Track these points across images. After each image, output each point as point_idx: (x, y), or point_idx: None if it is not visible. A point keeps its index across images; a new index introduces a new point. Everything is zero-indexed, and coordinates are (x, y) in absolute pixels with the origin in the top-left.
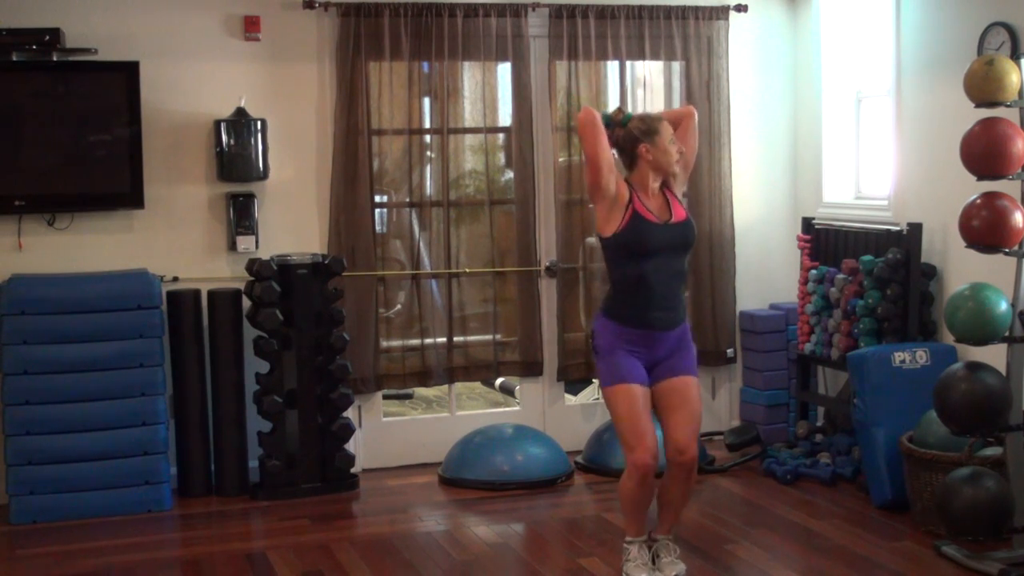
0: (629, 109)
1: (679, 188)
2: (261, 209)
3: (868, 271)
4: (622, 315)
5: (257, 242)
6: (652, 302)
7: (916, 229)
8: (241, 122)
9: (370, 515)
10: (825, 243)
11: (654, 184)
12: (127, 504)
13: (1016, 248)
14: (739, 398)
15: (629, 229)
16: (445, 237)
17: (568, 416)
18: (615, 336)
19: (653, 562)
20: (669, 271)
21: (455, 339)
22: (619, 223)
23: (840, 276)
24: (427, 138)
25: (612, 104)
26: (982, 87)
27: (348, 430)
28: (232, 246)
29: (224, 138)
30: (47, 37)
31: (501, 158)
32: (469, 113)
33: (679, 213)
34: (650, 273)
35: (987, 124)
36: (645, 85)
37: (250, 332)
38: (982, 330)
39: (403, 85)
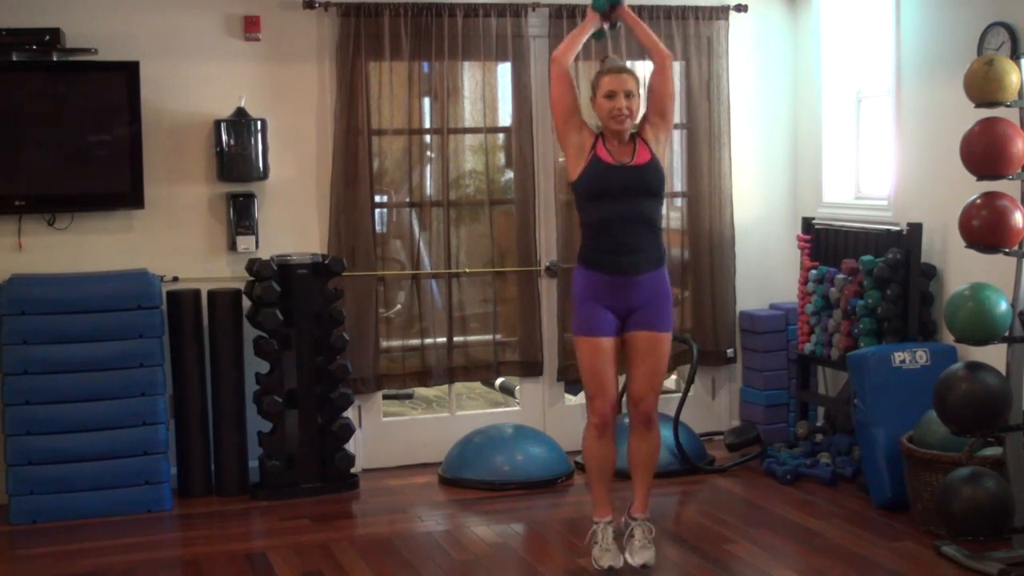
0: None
1: (661, 132)
2: (261, 209)
3: (868, 271)
4: (590, 260)
5: (257, 242)
6: (615, 245)
7: (916, 229)
8: (241, 122)
9: (370, 515)
10: (825, 243)
11: (619, 135)
12: (127, 504)
13: (1016, 248)
14: (739, 398)
15: (586, 172)
16: (445, 237)
17: (568, 416)
18: (588, 285)
19: (627, 541)
20: (631, 214)
21: (455, 339)
22: (582, 167)
23: (840, 276)
24: (427, 138)
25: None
26: (982, 87)
27: (348, 430)
28: (232, 246)
29: (224, 138)
30: (47, 37)
31: (501, 158)
32: (469, 113)
33: (642, 156)
34: (611, 216)
35: (987, 124)
36: (645, 85)
37: (250, 332)
38: (982, 330)
39: (403, 85)
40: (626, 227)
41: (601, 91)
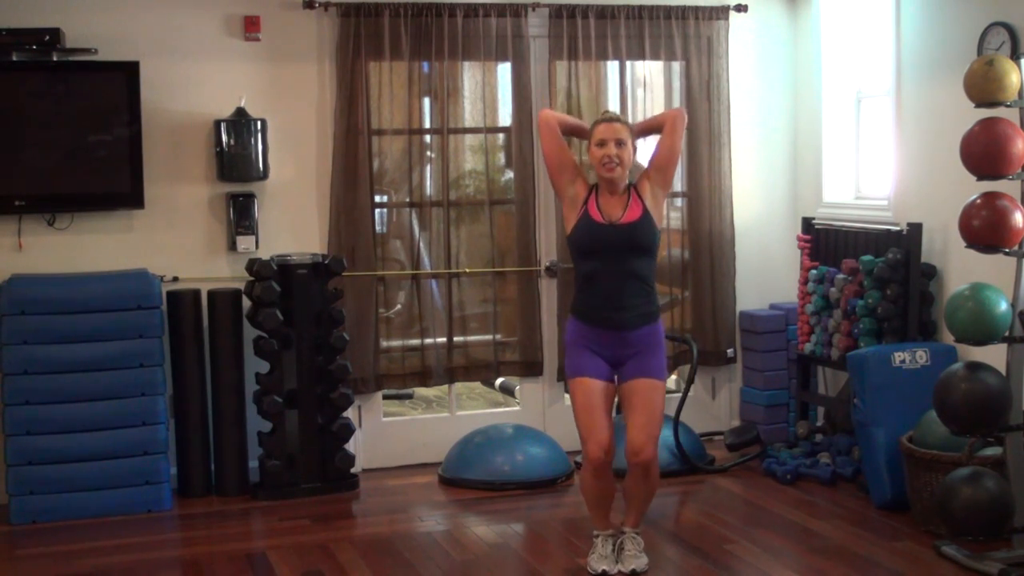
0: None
1: (658, 189)
2: (261, 209)
3: (868, 271)
4: (580, 312)
5: (257, 242)
6: (602, 301)
7: (916, 229)
8: (241, 122)
9: (370, 515)
10: (825, 243)
11: (612, 185)
12: (127, 504)
13: (1016, 248)
14: (739, 398)
15: (576, 228)
16: (445, 237)
17: (568, 416)
18: (579, 335)
19: (617, 551)
20: (619, 272)
21: (455, 339)
22: (573, 222)
23: (840, 276)
24: (427, 138)
25: (612, 104)
26: (982, 87)
27: (348, 430)
28: (232, 246)
29: (224, 138)
30: (47, 37)
31: (501, 158)
32: (469, 113)
33: (632, 214)
34: (599, 272)
35: (987, 124)
36: (645, 85)
37: (250, 332)
38: (982, 330)
39: (403, 85)
40: (615, 284)
41: (594, 139)
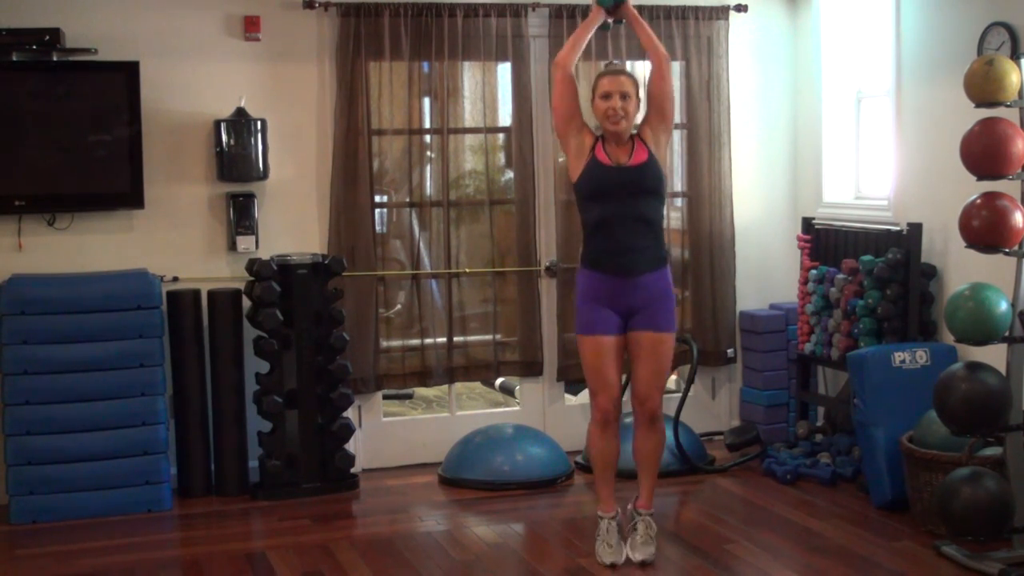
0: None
1: (660, 132)
2: (261, 209)
3: (868, 271)
4: (591, 260)
5: (257, 242)
6: (613, 246)
7: (916, 229)
8: (241, 122)
9: (370, 515)
10: (825, 243)
11: (617, 136)
12: (127, 504)
13: (1016, 248)
14: (739, 398)
15: (584, 173)
16: (445, 237)
17: (568, 416)
18: (590, 286)
19: (630, 534)
20: (628, 214)
21: (455, 339)
22: (581, 168)
23: (840, 276)
24: (427, 138)
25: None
26: (982, 87)
27: (348, 430)
28: (232, 246)
29: (224, 138)
30: (47, 37)
31: (501, 158)
32: (469, 113)
33: (639, 156)
34: (608, 216)
35: (987, 124)
36: (645, 85)
37: (250, 332)
38: (982, 330)
39: (403, 85)
40: (625, 226)
41: (598, 92)
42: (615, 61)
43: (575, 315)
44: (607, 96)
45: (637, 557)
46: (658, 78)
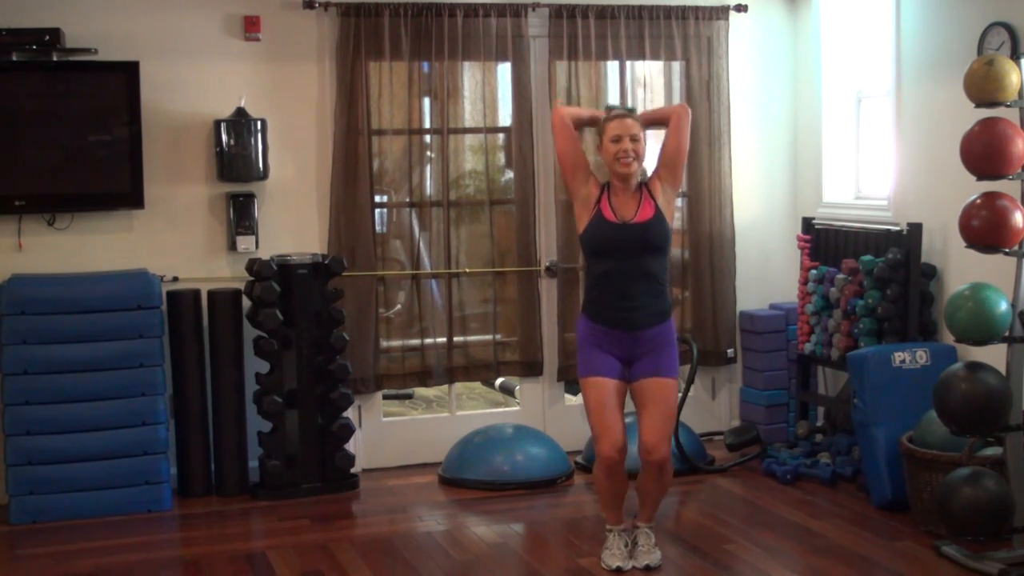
0: (630, 104)
1: (668, 187)
2: (261, 209)
3: (868, 271)
4: (591, 312)
5: (257, 242)
6: (614, 301)
7: (916, 229)
8: (241, 122)
9: (370, 515)
10: (825, 243)
11: (625, 182)
12: (127, 504)
13: (1016, 248)
14: (739, 398)
15: (589, 228)
16: (445, 237)
17: (568, 416)
18: (591, 334)
19: (631, 549)
20: (631, 271)
21: (455, 339)
22: (586, 222)
23: (840, 276)
24: (427, 138)
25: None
26: (982, 87)
27: (348, 430)
28: (232, 246)
29: (224, 138)
30: (47, 37)
31: (501, 158)
32: (469, 113)
33: (645, 213)
34: (611, 272)
35: (987, 124)
36: (645, 85)
37: (250, 332)
38: (982, 330)
39: (403, 85)
40: (628, 283)
41: (607, 136)
42: (616, 105)
43: (577, 359)
44: (617, 139)
45: (642, 562)
46: (675, 133)
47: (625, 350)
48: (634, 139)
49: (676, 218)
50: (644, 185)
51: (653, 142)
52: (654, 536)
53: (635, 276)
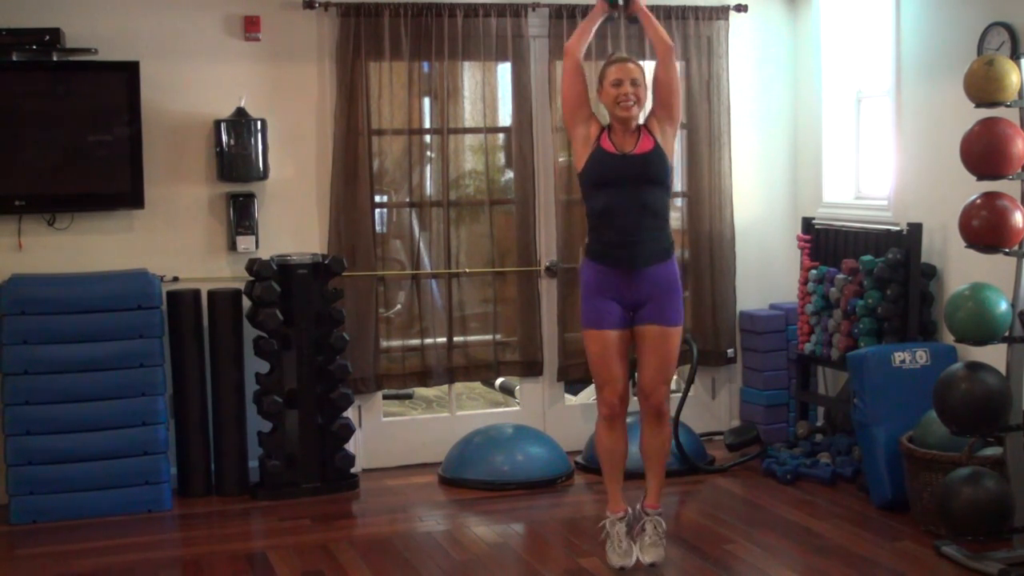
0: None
1: (666, 124)
2: (261, 209)
3: (868, 271)
4: (595, 251)
5: (257, 242)
6: (617, 236)
7: (916, 229)
8: (241, 122)
9: (370, 515)
10: (825, 243)
11: (626, 123)
12: (127, 504)
13: (1016, 248)
14: (739, 398)
15: (589, 161)
16: (445, 237)
17: (568, 416)
18: (595, 278)
19: (638, 535)
20: (631, 203)
21: (455, 339)
22: (586, 156)
23: (840, 276)
24: (427, 138)
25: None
26: (982, 87)
27: (348, 430)
28: (232, 246)
29: (224, 138)
30: (47, 37)
31: (501, 158)
32: (469, 113)
33: (644, 145)
34: (612, 205)
35: (987, 124)
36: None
37: (250, 332)
38: (982, 330)
39: (403, 85)
40: (629, 216)
41: (607, 80)
42: (620, 52)
43: (580, 309)
44: (618, 83)
45: (646, 559)
46: (662, 68)
47: (629, 292)
48: (634, 83)
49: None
50: (642, 126)
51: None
52: (663, 525)
53: (636, 209)
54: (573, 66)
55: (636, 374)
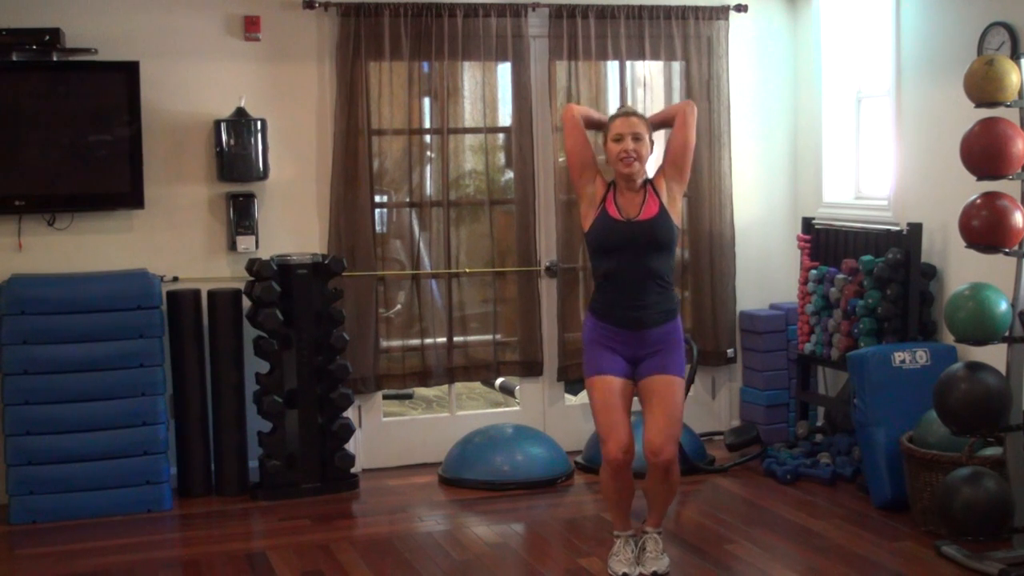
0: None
1: (674, 185)
2: (261, 209)
3: (868, 271)
4: (598, 311)
5: (257, 242)
6: (621, 300)
7: (916, 229)
8: (241, 122)
9: (370, 515)
10: (825, 243)
11: (629, 181)
12: (127, 504)
13: (1016, 248)
14: (739, 398)
15: (594, 226)
16: (445, 237)
17: (568, 416)
18: (597, 334)
19: (640, 552)
20: (636, 270)
21: (455, 339)
22: (591, 220)
23: (840, 276)
24: (427, 138)
25: (612, 102)
26: (982, 87)
27: (348, 430)
28: (232, 246)
29: (224, 138)
30: (47, 37)
31: (501, 158)
32: (469, 113)
33: (649, 211)
34: (617, 271)
35: (987, 124)
36: (645, 85)
37: (250, 332)
38: (982, 330)
39: (403, 85)
40: (634, 281)
41: (611, 135)
42: (626, 104)
43: (583, 359)
44: (619, 139)
45: (649, 569)
46: (681, 127)
47: (632, 349)
48: (636, 138)
49: None
50: (649, 183)
51: (661, 147)
52: (662, 542)
53: (641, 275)
54: (572, 123)
55: (643, 432)
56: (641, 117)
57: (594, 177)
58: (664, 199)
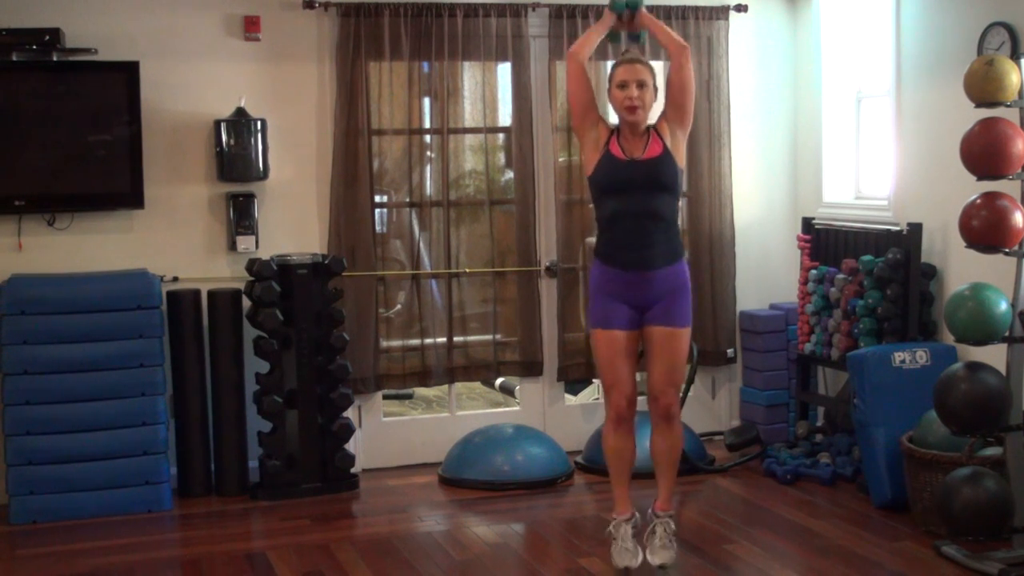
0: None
1: (676, 128)
2: (261, 209)
3: (868, 271)
4: (603, 254)
5: (257, 242)
6: (624, 241)
7: (916, 229)
8: (241, 122)
9: (370, 515)
10: (825, 243)
11: (634, 127)
12: (127, 504)
13: (1016, 248)
14: (739, 398)
15: (598, 167)
16: (445, 237)
17: (568, 416)
18: (603, 280)
19: (648, 538)
20: (641, 209)
21: (455, 339)
22: (595, 162)
23: (840, 276)
24: (427, 138)
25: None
26: (982, 87)
27: (348, 430)
28: (232, 246)
29: (224, 138)
30: (47, 37)
31: (501, 158)
32: (469, 113)
33: (653, 150)
34: (620, 211)
35: (987, 124)
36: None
37: (250, 332)
38: (982, 330)
39: (403, 85)
40: (637, 222)
41: (615, 81)
42: (631, 51)
43: (589, 308)
44: (623, 85)
45: (656, 561)
46: (676, 68)
47: (639, 294)
48: (641, 85)
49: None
50: (652, 128)
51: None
52: (673, 526)
53: (645, 214)
54: (577, 70)
55: (646, 378)
56: (645, 63)
57: (596, 122)
58: (668, 142)
